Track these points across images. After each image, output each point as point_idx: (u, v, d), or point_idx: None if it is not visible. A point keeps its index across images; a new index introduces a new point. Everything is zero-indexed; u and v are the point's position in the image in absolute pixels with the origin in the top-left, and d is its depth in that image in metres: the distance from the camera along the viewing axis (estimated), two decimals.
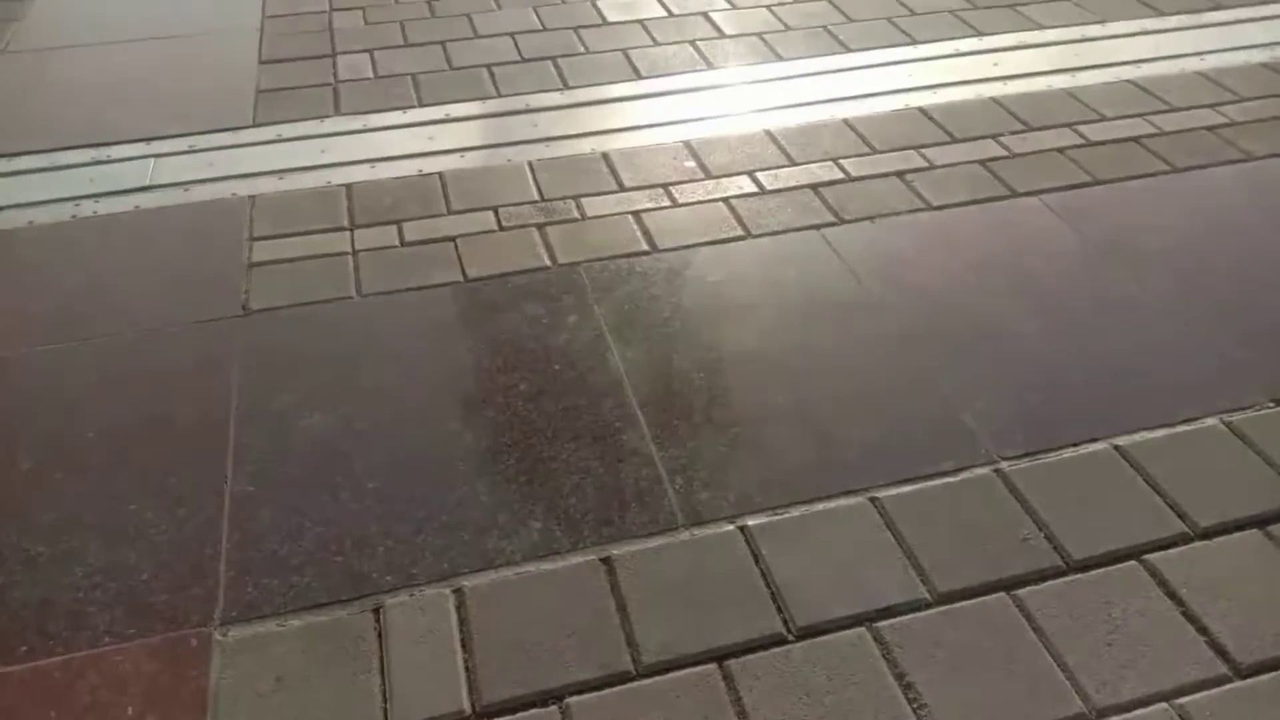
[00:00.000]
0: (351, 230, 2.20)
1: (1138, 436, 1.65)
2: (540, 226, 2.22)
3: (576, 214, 2.27)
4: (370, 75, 2.82)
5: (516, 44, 2.98)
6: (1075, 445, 1.64)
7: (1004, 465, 1.60)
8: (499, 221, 2.24)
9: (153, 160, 2.45)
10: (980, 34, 3.00)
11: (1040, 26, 3.05)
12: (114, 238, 2.19)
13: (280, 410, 1.73)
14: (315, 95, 2.71)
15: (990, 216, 2.23)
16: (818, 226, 2.20)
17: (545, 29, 3.07)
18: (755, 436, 1.67)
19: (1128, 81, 2.74)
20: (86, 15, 3.19)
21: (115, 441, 1.67)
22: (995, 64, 2.83)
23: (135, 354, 1.86)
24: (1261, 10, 3.14)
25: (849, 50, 2.92)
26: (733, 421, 1.71)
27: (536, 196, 2.32)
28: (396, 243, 2.16)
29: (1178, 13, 3.14)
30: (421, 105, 2.68)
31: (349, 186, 2.35)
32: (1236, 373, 1.79)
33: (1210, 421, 1.68)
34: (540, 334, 1.91)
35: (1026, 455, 1.62)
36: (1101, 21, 3.08)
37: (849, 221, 2.21)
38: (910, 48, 2.93)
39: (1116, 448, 1.63)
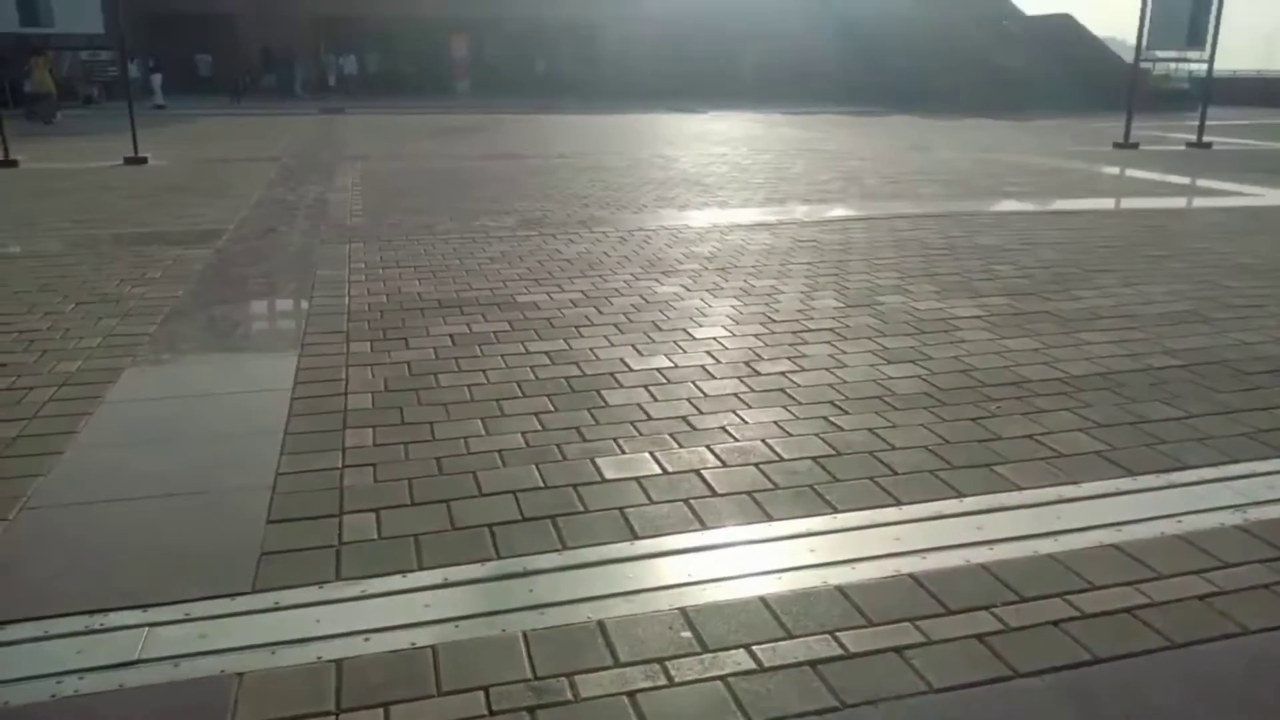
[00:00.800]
0: (337, 715, 2.13)
1: None
2: (531, 710, 2.15)
3: (569, 694, 2.21)
4: (374, 536, 2.89)
5: (518, 502, 3.11)
6: None
7: None
8: (489, 704, 2.17)
9: (145, 630, 2.43)
10: (960, 495, 3.14)
11: (1017, 487, 3.20)
12: None
13: None
14: (317, 558, 2.77)
15: (999, 706, 2.16)
16: (820, 712, 2.13)
17: (546, 486, 3.22)
18: None
19: (1111, 545, 2.82)
20: (107, 471, 3.35)
21: None
22: (979, 528, 2.93)
23: None
24: (1225, 470, 3.33)
25: (836, 511, 3.04)
26: None
27: (529, 674, 2.27)
28: None
29: (1145, 472, 3.31)
30: (421, 569, 2.72)
31: (339, 663, 2.30)
32: None
33: None
34: None
35: None
36: (1075, 482, 3.24)
37: (851, 706, 2.15)
38: (895, 509, 3.05)
39: None
